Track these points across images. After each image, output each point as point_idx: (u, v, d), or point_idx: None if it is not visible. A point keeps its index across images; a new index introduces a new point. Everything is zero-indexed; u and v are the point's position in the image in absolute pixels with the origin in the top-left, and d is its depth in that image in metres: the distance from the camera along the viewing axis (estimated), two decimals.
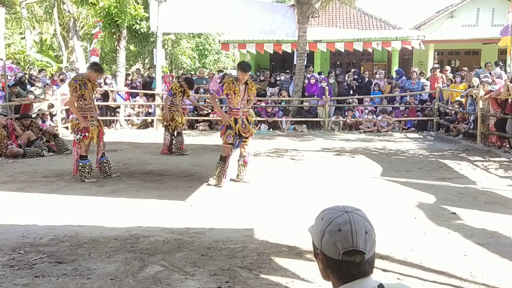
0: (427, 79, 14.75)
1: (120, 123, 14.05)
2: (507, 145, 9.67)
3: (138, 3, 15.96)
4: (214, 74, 15.96)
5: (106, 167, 6.90)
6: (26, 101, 11.46)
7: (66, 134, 11.74)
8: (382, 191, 6.17)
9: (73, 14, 21.26)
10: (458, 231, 4.45)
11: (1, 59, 10.75)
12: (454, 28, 20.31)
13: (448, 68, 15.24)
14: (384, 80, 14.70)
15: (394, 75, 15.62)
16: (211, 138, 11.63)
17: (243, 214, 5.07)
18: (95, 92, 7.04)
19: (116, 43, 15.51)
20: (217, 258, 3.70)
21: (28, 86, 12.88)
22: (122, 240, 4.14)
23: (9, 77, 12.23)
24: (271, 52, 18.75)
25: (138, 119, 14.29)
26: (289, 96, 14.21)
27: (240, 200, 5.70)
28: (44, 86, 13.26)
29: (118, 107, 14.13)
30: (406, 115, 13.91)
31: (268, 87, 14.84)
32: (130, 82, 15.36)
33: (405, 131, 13.38)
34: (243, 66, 6.36)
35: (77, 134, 6.62)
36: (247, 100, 6.48)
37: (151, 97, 14.35)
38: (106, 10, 14.50)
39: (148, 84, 14.82)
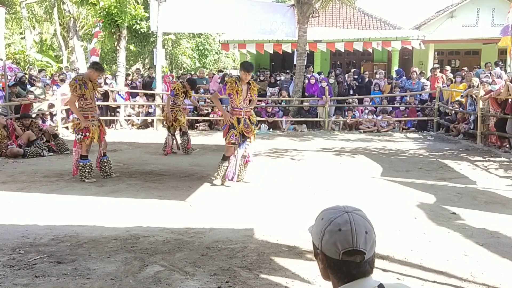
0: (427, 79, 14.75)
1: (120, 123, 14.05)
2: (507, 145, 9.67)
3: (138, 3, 15.96)
4: (214, 74, 15.97)
5: (107, 167, 6.90)
6: (26, 101, 11.45)
7: (66, 134, 11.74)
8: (382, 191, 6.17)
9: (73, 14, 21.26)
10: (458, 231, 4.45)
11: (1, 59, 10.75)
12: (454, 28, 20.31)
13: (448, 68, 15.24)
14: (384, 80, 14.70)
15: (394, 75, 15.62)
16: (211, 138, 11.64)
17: (243, 214, 5.07)
18: (96, 92, 7.03)
19: (116, 43, 15.51)
20: (217, 258, 3.70)
21: (28, 86, 12.88)
22: (122, 240, 4.14)
23: (9, 77, 12.22)
24: (271, 52, 18.74)
25: (138, 119, 14.30)
26: (289, 96, 14.21)
27: (240, 200, 5.70)
28: (44, 86, 13.26)
29: (118, 107, 14.14)
30: (406, 115, 13.91)
31: (268, 87, 14.84)
32: (130, 82, 15.36)
33: (405, 131, 13.38)
34: (245, 66, 6.36)
35: (78, 134, 6.62)
36: (249, 100, 6.50)
37: (151, 97, 14.35)
38: (106, 10, 14.50)
39: (148, 84, 14.82)
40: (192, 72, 20.29)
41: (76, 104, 6.57)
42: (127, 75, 16.58)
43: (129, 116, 14.36)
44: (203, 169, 7.56)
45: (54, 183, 6.57)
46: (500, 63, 14.53)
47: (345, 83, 14.42)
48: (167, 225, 4.59)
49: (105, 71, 14.29)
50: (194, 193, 6.01)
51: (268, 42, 17.86)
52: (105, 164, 6.90)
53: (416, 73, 14.34)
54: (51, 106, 12.47)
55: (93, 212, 5.10)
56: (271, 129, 13.59)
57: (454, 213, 5.06)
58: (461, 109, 11.89)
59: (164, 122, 9.76)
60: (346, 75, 14.99)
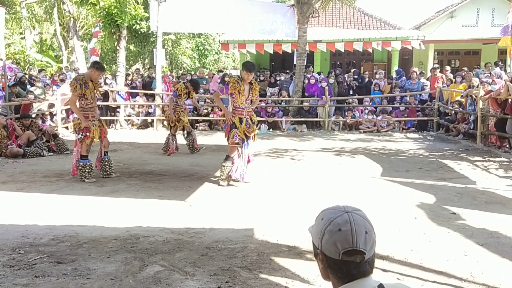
0: (427, 79, 14.74)
1: (120, 123, 14.06)
2: (507, 145, 9.67)
3: (138, 3, 15.96)
4: (214, 74, 15.97)
5: (107, 166, 6.90)
6: (26, 101, 11.45)
7: (66, 134, 11.74)
8: (382, 191, 6.17)
9: (73, 14, 21.26)
10: (458, 231, 4.45)
11: (1, 59, 10.75)
12: (454, 28, 20.31)
13: (448, 68, 15.24)
14: (384, 80, 14.70)
15: (394, 75, 15.62)
16: (211, 138, 11.64)
17: (243, 214, 5.07)
18: (97, 91, 7.02)
19: (116, 43, 15.51)
20: (217, 258, 3.71)
21: (28, 86, 12.88)
22: (122, 240, 4.14)
23: (9, 77, 12.23)
24: (271, 52, 18.75)
25: (138, 119, 14.30)
26: (289, 96, 14.21)
27: (240, 200, 5.70)
28: (44, 86, 13.26)
29: (118, 107, 14.14)
30: (406, 115, 13.91)
31: (268, 87, 14.84)
32: (130, 82, 15.37)
33: (405, 131, 13.38)
34: (248, 66, 6.36)
35: (78, 134, 6.62)
36: (251, 100, 6.50)
37: (151, 97, 14.35)
38: (106, 10, 14.51)
39: (148, 84, 14.83)
40: (192, 72, 20.31)
41: (77, 104, 6.58)
42: (127, 75, 16.58)
43: (129, 116, 14.36)
44: (203, 169, 7.56)
45: (54, 183, 6.57)
46: (500, 63, 14.54)
47: (345, 83, 14.42)
48: (167, 225, 4.59)
49: (105, 70, 14.28)
50: (194, 193, 6.01)
51: (268, 42, 17.86)
52: (106, 163, 6.90)
53: (416, 73, 14.34)
54: (51, 106, 12.47)
55: (93, 212, 5.10)
56: (271, 129, 13.59)
57: (454, 213, 5.06)
58: (461, 109, 11.89)
59: (166, 123, 9.73)
60: (346, 75, 14.99)
